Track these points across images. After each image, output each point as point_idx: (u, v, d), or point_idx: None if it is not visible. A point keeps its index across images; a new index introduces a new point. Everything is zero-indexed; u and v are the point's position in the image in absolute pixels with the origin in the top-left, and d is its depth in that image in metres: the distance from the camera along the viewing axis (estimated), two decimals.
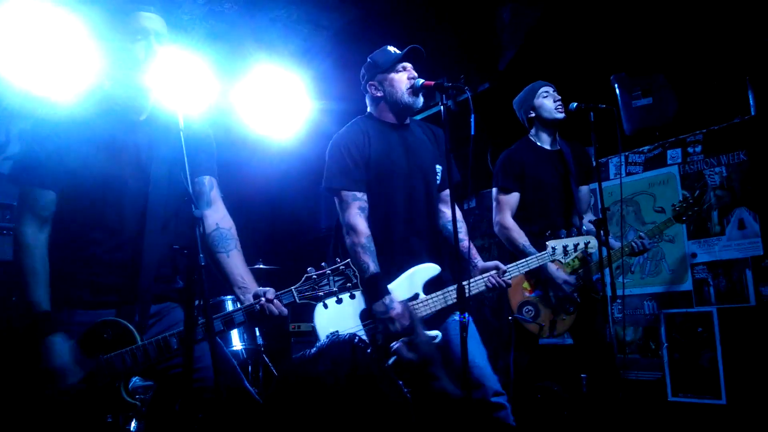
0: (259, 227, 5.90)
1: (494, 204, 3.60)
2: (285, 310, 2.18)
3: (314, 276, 2.20)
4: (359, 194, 2.79)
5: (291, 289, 2.20)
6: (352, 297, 2.25)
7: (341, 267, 2.21)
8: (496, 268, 2.76)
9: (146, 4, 2.24)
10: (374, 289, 2.65)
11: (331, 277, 2.20)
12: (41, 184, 2.14)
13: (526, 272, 3.34)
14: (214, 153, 2.48)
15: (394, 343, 1.76)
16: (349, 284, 2.21)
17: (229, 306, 5.05)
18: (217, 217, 2.39)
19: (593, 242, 3.02)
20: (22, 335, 2.07)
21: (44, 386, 2.01)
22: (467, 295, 2.35)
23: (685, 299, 4.31)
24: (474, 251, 2.85)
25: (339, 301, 2.24)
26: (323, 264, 2.23)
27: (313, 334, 2.68)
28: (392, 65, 2.87)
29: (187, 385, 1.90)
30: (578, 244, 2.95)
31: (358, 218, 2.74)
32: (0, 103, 4.68)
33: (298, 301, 2.20)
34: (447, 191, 2.97)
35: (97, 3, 3.58)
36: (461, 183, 3.00)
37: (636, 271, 4.61)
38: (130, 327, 2.12)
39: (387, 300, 2.62)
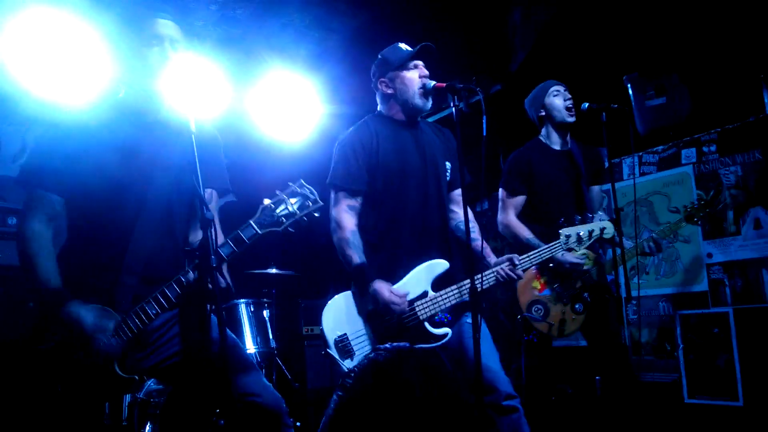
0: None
1: (499, 204, 3.60)
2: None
3: (270, 204, 2.16)
4: (353, 193, 2.80)
5: (249, 222, 2.15)
6: (315, 214, 2.19)
7: (295, 188, 2.18)
8: (509, 261, 2.74)
9: (161, 11, 2.27)
10: (361, 277, 2.65)
11: (287, 201, 2.16)
12: (48, 187, 2.17)
13: (537, 270, 3.34)
14: (223, 164, 2.50)
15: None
16: (308, 202, 2.18)
17: (242, 309, 5.09)
18: None
19: (609, 228, 2.91)
20: (40, 322, 2.09)
21: (79, 351, 2.02)
22: (480, 289, 2.35)
23: (701, 300, 4.27)
24: (488, 249, 2.83)
25: (304, 220, 2.17)
26: (276, 191, 2.19)
27: (321, 336, 2.69)
28: (404, 63, 2.85)
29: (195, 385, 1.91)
30: (593, 230, 2.86)
31: (345, 214, 2.76)
32: (16, 111, 4.75)
33: (260, 232, 2.14)
34: (458, 191, 2.96)
35: (113, 10, 3.63)
36: (473, 184, 2.99)
37: (651, 272, 4.58)
38: (106, 308, 2.11)
39: (376, 284, 2.60)
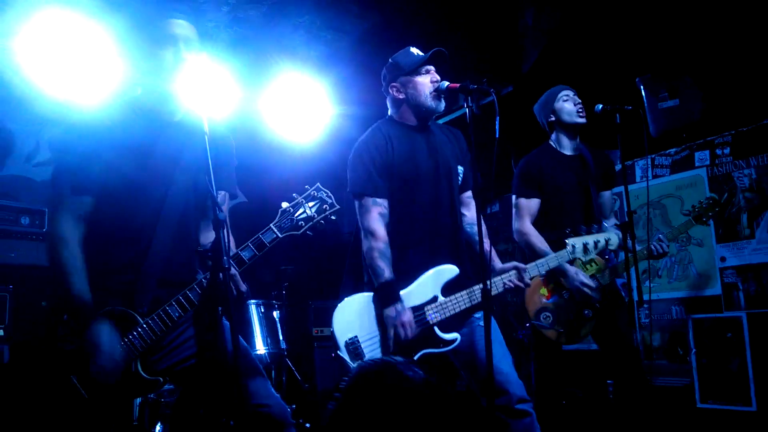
0: None
1: (514, 210, 3.57)
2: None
3: (289, 208, 2.21)
4: (380, 200, 2.77)
5: (270, 226, 2.21)
6: (332, 217, 2.26)
7: (312, 192, 2.24)
8: (515, 268, 2.72)
9: (176, 12, 2.28)
10: (387, 295, 2.64)
11: (305, 204, 2.22)
12: (77, 189, 2.18)
13: (544, 277, 3.31)
14: (233, 166, 2.50)
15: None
16: (325, 206, 2.24)
17: (253, 310, 5.10)
18: None
19: (614, 239, 2.91)
20: (64, 329, 2.11)
21: (91, 367, 2.04)
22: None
23: (714, 304, 4.23)
24: (494, 254, 2.81)
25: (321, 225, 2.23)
26: (294, 194, 2.24)
27: (331, 338, 2.68)
28: (415, 68, 2.84)
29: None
30: (599, 241, 2.84)
31: (377, 223, 2.73)
32: (30, 111, 4.78)
33: (280, 235, 2.20)
34: (469, 192, 2.96)
35: (127, 11, 3.65)
36: (484, 185, 2.97)
37: (663, 276, 4.55)
38: (130, 311, 2.13)
39: (399, 306, 2.61)
